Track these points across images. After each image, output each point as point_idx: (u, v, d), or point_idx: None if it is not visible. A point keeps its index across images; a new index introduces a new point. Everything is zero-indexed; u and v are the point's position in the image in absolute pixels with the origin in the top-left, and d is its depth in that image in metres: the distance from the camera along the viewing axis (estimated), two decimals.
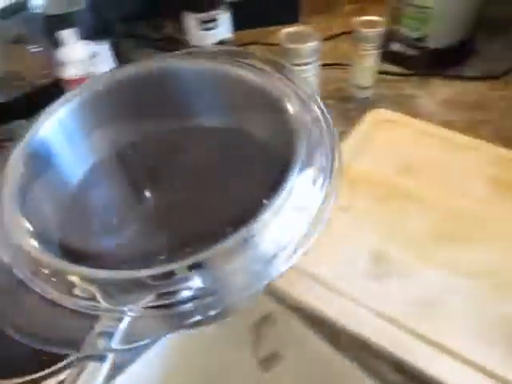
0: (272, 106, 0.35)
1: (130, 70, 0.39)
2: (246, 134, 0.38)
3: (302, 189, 0.30)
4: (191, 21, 0.67)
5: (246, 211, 0.28)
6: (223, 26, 0.68)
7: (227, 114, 0.39)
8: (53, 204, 0.35)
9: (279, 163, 0.31)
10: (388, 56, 0.81)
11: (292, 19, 0.93)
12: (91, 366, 0.24)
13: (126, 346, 0.25)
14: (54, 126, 0.36)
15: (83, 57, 0.57)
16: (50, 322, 0.26)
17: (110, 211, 0.39)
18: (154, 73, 0.38)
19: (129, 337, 0.25)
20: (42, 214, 0.34)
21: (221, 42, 0.69)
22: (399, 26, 0.77)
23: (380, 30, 0.67)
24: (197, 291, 0.26)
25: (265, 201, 0.29)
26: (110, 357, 0.25)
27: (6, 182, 0.32)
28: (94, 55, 0.58)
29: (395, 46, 0.79)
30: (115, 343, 0.24)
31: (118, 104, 0.38)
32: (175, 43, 0.92)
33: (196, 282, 0.26)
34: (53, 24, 0.60)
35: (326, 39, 0.87)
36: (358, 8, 0.96)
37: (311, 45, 0.65)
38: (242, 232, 0.27)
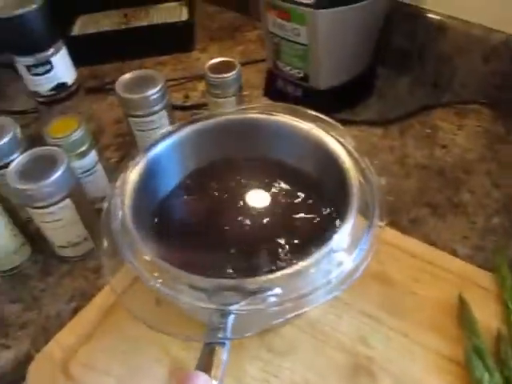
0: (326, 154, 0.45)
1: (217, 119, 0.49)
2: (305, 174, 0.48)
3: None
4: (19, 65, 0.58)
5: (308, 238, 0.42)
6: (60, 68, 0.59)
7: (295, 156, 0.49)
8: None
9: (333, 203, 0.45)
10: (274, 95, 0.71)
11: (185, 48, 0.83)
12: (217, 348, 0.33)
13: (236, 337, 0.36)
14: (161, 150, 0.47)
15: None
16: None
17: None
18: (236, 122, 0.49)
19: (236, 330, 0.34)
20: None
21: (60, 86, 0.60)
22: (281, 63, 0.66)
23: (232, 75, 0.57)
24: (279, 298, 0.35)
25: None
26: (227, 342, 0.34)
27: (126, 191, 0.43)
28: None
29: (280, 85, 0.69)
30: (229, 334, 0.34)
31: (209, 142, 0.49)
32: None
33: (278, 290, 0.35)
34: None
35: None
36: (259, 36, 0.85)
37: (154, 91, 0.55)
38: (313, 256, 0.36)
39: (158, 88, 0.55)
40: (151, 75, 0.57)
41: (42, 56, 0.57)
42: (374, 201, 0.41)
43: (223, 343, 0.34)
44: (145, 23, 0.82)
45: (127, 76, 0.58)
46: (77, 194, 0.50)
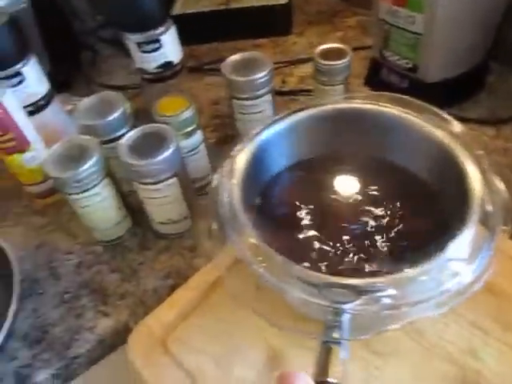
0: (444, 155, 0.43)
1: (326, 107, 0.48)
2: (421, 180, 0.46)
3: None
4: (129, 42, 0.59)
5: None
6: (167, 47, 0.59)
7: (410, 156, 0.46)
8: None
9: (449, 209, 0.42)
10: (376, 85, 0.68)
11: (282, 32, 0.82)
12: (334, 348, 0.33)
13: (352, 338, 0.35)
14: (269, 136, 0.46)
15: None
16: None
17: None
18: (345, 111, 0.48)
19: (352, 331, 0.34)
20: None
21: (166, 65, 0.60)
22: (388, 52, 0.63)
23: (343, 62, 0.55)
24: (394, 301, 0.33)
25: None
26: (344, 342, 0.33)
27: (235, 175, 0.42)
28: None
29: (385, 75, 0.66)
30: (345, 333, 0.33)
31: (318, 130, 0.48)
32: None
33: (392, 292, 0.34)
34: None
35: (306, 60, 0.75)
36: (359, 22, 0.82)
37: (260, 76, 0.55)
38: (431, 261, 0.35)
39: (265, 72, 0.54)
40: (259, 58, 0.56)
41: (152, 34, 0.58)
42: (497, 207, 0.38)
43: (339, 343, 0.33)
44: (244, 5, 0.81)
45: (235, 57, 0.57)
46: (181, 172, 0.50)
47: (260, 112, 0.57)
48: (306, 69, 0.74)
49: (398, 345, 0.42)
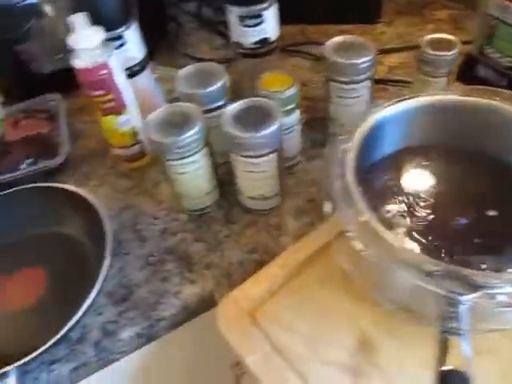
0: None
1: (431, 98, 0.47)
2: None
3: None
4: (231, 15, 0.58)
5: None
6: (268, 23, 0.59)
7: None
8: None
9: None
10: (469, 81, 0.66)
11: (370, 19, 0.80)
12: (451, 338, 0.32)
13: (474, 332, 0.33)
14: (383, 119, 0.46)
15: (93, 45, 0.51)
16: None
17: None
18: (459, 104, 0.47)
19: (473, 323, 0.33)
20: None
21: (263, 41, 0.60)
22: (490, 48, 0.61)
23: (452, 54, 0.54)
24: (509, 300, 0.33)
25: None
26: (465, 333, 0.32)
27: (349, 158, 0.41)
28: (105, 44, 0.52)
29: (482, 71, 0.64)
30: (463, 325, 0.32)
31: (427, 120, 0.47)
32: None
33: (509, 290, 0.33)
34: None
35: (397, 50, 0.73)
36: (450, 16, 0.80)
37: (364, 60, 0.54)
38: None
39: (370, 57, 0.53)
40: (361, 43, 0.55)
41: (256, 8, 0.58)
42: None
43: (458, 334, 0.32)
44: None
45: (337, 39, 0.56)
46: (280, 149, 0.50)
47: (357, 97, 0.56)
48: (394, 59, 0.73)
49: (496, 343, 0.41)
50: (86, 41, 0.51)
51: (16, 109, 0.71)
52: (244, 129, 0.48)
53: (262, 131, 0.47)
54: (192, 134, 0.48)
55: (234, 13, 0.58)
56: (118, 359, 0.49)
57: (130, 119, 0.58)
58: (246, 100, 0.50)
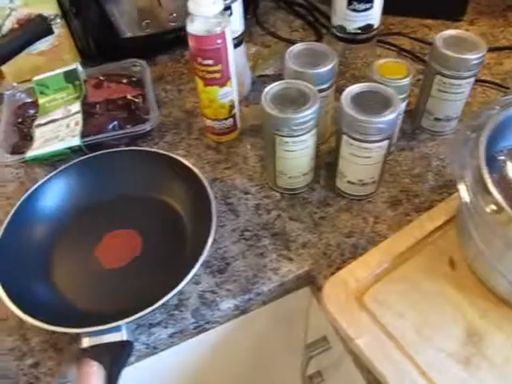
0: None
1: None
2: None
3: None
4: None
5: None
6: (375, 9, 0.58)
7: None
8: None
9: None
10: None
11: (454, 16, 0.80)
12: None
13: None
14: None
15: (212, 13, 0.51)
16: None
17: None
18: None
19: None
20: None
21: (366, 28, 0.60)
22: None
23: None
24: None
25: None
26: None
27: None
28: (222, 13, 0.52)
29: None
30: None
31: None
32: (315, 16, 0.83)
33: None
34: None
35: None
36: None
37: (476, 57, 0.54)
38: None
39: (482, 53, 0.53)
40: (473, 40, 0.55)
41: None
42: None
43: None
44: None
45: (449, 32, 0.56)
46: (391, 137, 0.50)
47: (460, 93, 0.56)
48: None
49: None
50: (206, 8, 0.50)
51: (97, 70, 0.70)
52: (363, 112, 0.48)
53: (384, 117, 0.47)
54: (310, 113, 0.48)
55: None
56: (210, 329, 0.50)
57: (229, 92, 0.57)
58: (365, 83, 0.50)
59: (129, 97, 0.67)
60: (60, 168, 0.56)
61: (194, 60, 0.54)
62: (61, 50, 0.74)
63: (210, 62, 0.53)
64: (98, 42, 0.73)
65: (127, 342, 0.44)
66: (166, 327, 0.47)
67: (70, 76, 0.69)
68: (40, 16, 0.69)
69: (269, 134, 0.51)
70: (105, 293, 0.50)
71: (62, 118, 0.64)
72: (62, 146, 0.60)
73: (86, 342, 0.44)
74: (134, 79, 0.69)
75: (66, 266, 0.51)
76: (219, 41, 0.52)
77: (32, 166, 0.62)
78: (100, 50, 0.74)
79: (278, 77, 0.68)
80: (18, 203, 0.52)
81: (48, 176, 0.55)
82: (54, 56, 0.74)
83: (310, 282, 0.51)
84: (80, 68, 0.69)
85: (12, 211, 0.52)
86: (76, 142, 0.59)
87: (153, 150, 0.57)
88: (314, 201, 0.56)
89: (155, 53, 0.76)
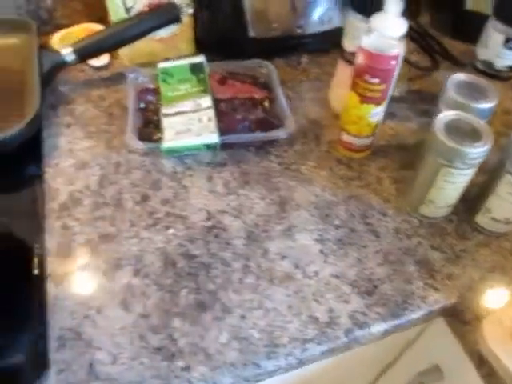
0: None
1: None
2: None
3: None
4: (495, 34, 0.58)
5: None
6: None
7: None
8: None
9: None
10: None
11: None
12: None
13: None
14: None
15: (396, 35, 0.50)
16: None
17: None
18: None
19: None
20: None
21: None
22: None
23: None
24: None
25: None
26: None
27: None
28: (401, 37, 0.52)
29: None
30: None
31: None
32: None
33: None
34: None
35: None
36: None
37: None
38: None
39: None
40: None
41: None
42: None
43: None
44: None
45: None
46: None
47: None
48: None
49: None
50: (393, 29, 0.50)
51: (219, 66, 0.69)
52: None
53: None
54: (485, 150, 0.48)
55: (502, 32, 0.58)
56: (352, 349, 0.49)
57: (380, 112, 0.57)
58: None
59: (257, 98, 0.66)
60: None
61: (359, 76, 0.54)
62: (179, 39, 0.72)
63: (376, 80, 0.53)
64: (223, 36, 0.72)
65: None
66: (319, 344, 0.47)
67: (196, 68, 0.67)
68: (171, 3, 0.67)
69: (433, 163, 0.51)
70: None
71: (192, 112, 0.62)
72: (201, 142, 0.58)
73: None
74: (259, 80, 0.68)
75: None
76: (393, 62, 0.52)
77: (158, 155, 0.60)
78: (221, 44, 0.72)
79: (400, 99, 0.69)
80: None
81: None
82: (171, 44, 0.72)
83: (453, 314, 0.51)
84: (205, 62, 0.67)
85: None
86: (215, 138, 0.58)
87: None
88: (451, 232, 0.56)
89: (272, 56, 0.75)
